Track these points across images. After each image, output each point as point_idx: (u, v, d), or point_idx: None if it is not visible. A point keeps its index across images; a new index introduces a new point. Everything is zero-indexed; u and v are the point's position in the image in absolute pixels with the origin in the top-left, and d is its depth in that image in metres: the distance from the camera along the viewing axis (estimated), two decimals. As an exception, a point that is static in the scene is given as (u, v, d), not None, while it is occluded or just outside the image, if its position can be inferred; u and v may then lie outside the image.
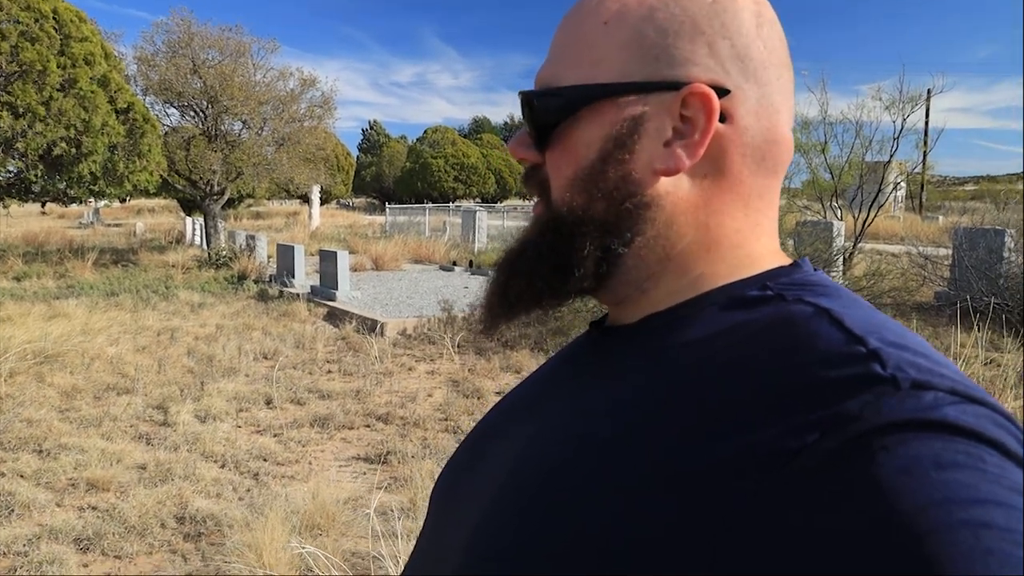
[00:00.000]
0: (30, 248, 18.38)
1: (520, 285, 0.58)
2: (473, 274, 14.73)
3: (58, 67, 11.55)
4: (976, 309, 7.52)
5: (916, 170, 15.38)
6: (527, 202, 47.37)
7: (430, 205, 28.01)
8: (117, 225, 32.53)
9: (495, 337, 7.66)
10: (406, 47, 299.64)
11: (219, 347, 7.81)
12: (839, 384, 0.41)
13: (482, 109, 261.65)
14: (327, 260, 11.20)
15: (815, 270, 0.54)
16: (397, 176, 49.97)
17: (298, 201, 41.06)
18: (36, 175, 12.15)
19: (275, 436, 5.20)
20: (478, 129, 72.28)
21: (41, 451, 4.80)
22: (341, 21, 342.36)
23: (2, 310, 9.28)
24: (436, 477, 0.66)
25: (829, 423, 0.39)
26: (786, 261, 0.56)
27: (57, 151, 11.75)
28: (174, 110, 17.33)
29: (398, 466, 4.59)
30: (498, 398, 0.72)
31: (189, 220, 22.58)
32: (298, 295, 11.09)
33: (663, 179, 0.53)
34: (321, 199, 34.02)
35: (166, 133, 16.33)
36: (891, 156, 12.74)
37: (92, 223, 32.63)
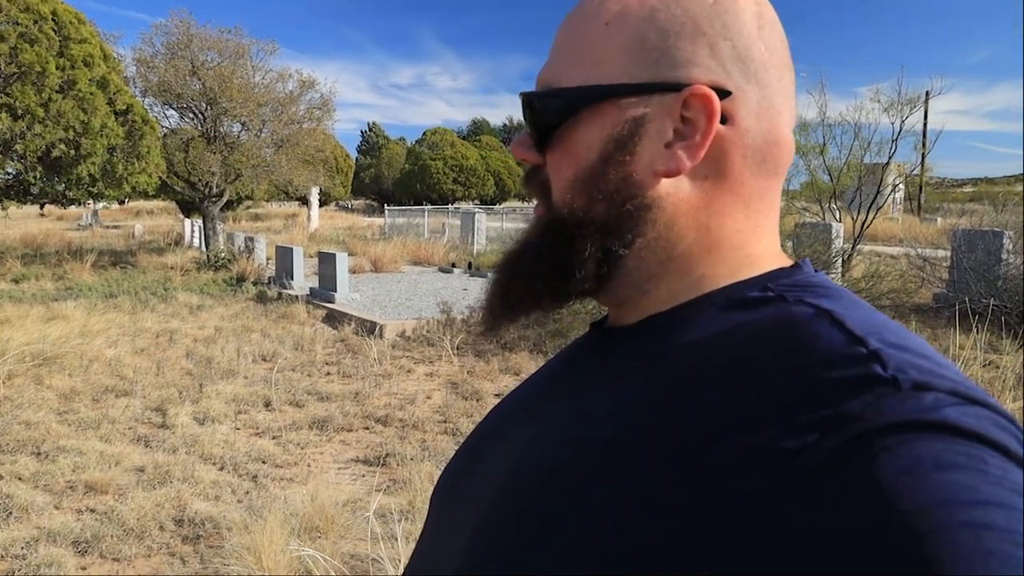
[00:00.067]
0: (28, 250, 18.38)
1: (521, 286, 0.58)
2: (472, 276, 14.73)
3: (57, 69, 11.55)
4: (974, 311, 7.52)
5: (915, 172, 15.41)
6: (526, 204, 47.39)
7: (429, 207, 28.01)
8: (116, 227, 32.51)
9: (494, 339, 7.68)
10: (405, 49, 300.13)
11: (218, 349, 7.80)
12: (840, 385, 0.41)
13: (481, 111, 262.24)
14: (326, 262, 11.20)
15: (816, 271, 0.54)
16: (396, 178, 49.97)
17: (297, 203, 41.05)
18: (35, 177, 12.14)
19: (274, 438, 5.20)
20: (477, 131, 72.29)
21: (39, 453, 4.79)
22: (340, 23, 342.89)
23: (0, 312, 9.27)
24: (435, 479, 0.66)
25: (830, 423, 0.39)
26: (787, 262, 0.56)
27: (56, 153, 11.75)
28: (173, 112, 17.37)
29: (397, 468, 4.59)
30: (497, 400, 0.72)
31: (188, 222, 22.57)
32: (297, 297, 11.09)
33: (664, 181, 0.53)
34: (320, 201, 34.04)
35: (165, 135, 16.34)
36: (890, 158, 12.75)
37: (91, 225, 32.62)
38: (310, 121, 18.20)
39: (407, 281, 13.82)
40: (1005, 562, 0.33)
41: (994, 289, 8.67)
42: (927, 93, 14.12)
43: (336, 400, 6.07)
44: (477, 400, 6.06)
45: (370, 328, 8.83)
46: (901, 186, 18.52)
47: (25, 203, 14.69)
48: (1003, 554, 0.33)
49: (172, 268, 14.39)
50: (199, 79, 16.19)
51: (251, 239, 15.25)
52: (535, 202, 0.61)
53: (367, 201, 56.14)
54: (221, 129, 16.93)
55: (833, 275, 9.17)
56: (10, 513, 3.94)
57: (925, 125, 17.14)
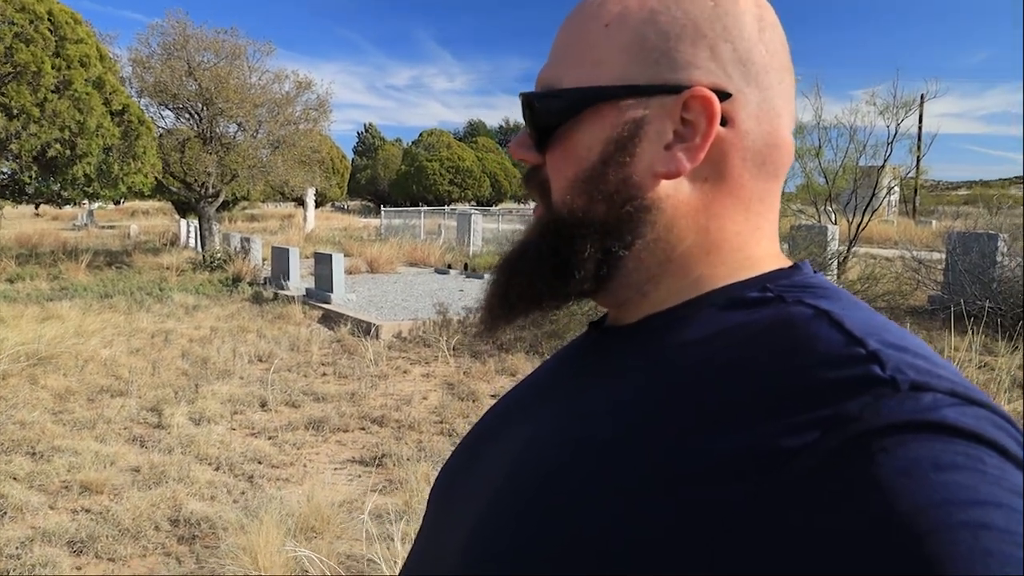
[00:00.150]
0: (23, 250, 18.31)
1: (520, 286, 0.58)
2: (468, 277, 14.72)
3: (53, 68, 11.51)
4: (969, 313, 7.55)
5: (910, 175, 15.46)
6: (522, 205, 47.43)
7: (425, 208, 27.98)
8: (111, 227, 32.42)
9: (491, 339, 7.68)
10: (402, 50, 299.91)
11: (213, 349, 7.78)
12: (838, 385, 0.41)
13: (477, 112, 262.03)
14: (322, 263, 11.18)
15: (815, 272, 0.55)
16: (392, 179, 49.91)
17: (293, 204, 41.01)
18: (30, 177, 12.11)
19: (270, 438, 5.19)
20: (473, 132, 72.22)
21: (34, 453, 4.78)
22: (337, 24, 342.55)
23: (-5, 312, 9.24)
24: (432, 480, 0.66)
25: (829, 423, 0.39)
26: (787, 264, 0.56)
27: (51, 153, 11.72)
28: (169, 112, 17.32)
29: (393, 469, 4.58)
30: (493, 401, 0.72)
31: (183, 222, 22.52)
32: (293, 298, 11.06)
33: (664, 182, 0.53)
34: (316, 202, 34.00)
35: (161, 135, 16.31)
36: (885, 161, 12.79)
37: (86, 225, 32.52)
38: (306, 122, 18.19)
39: (403, 282, 13.81)
40: (1004, 562, 0.33)
41: (989, 291, 8.70)
42: (922, 96, 14.16)
43: (332, 400, 6.06)
44: (473, 401, 6.06)
45: (366, 329, 8.82)
46: (896, 189, 18.55)
47: (20, 203, 14.65)
48: (1002, 554, 0.33)
49: (168, 268, 14.35)
50: (195, 79, 16.16)
51: (247, 240, 15.22)
52: (534, 203, 0.61)
53: (363, 202, 56.07)
54: (217, 130, 16.90)
55: (828, 277, 9.15)
56: (5, 513, 3.93)
57: (920, 128, 17.22)
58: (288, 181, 18.13)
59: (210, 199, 17.05)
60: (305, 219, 29.84)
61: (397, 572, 0.63)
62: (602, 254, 0.55)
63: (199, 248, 17.74)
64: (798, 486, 0.38)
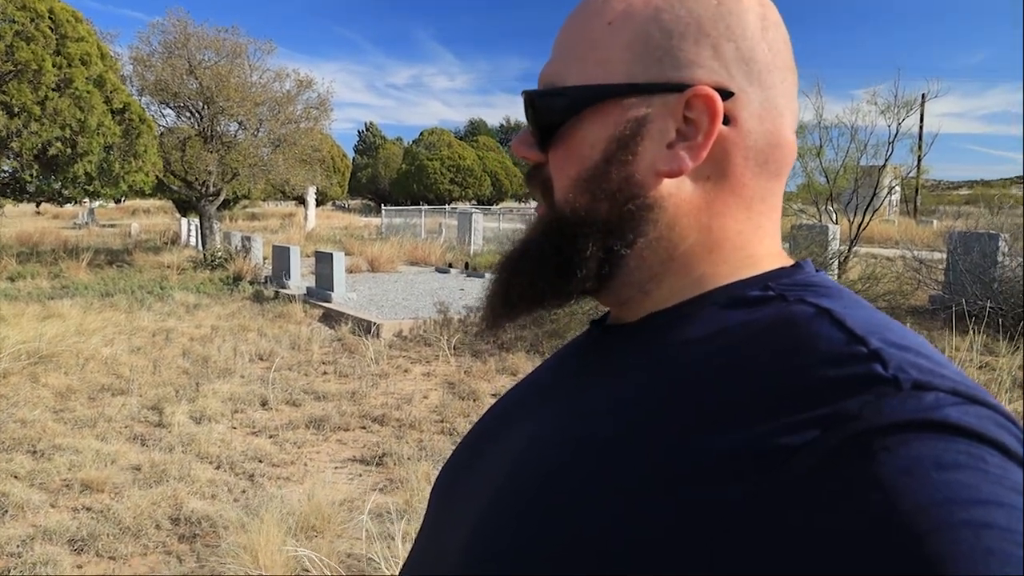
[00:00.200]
0: (24, 248, 18.32)
1: (522, 285, 0.58)
2: (469, 276, 14.72)
3: (54, 67, 11.52)
4: (970, 313, 7.55)
5: (911, 174, 15.45)
6: (523, 204, 47.42)
7: (426, 207, 27.99)
8: (112, 226, 32.42)
9: (492, 338, 7.68)
10: (402, 49, 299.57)
11: (214, 348, 7.79)
12: (840, 384, 0.41)
13: (478, 111, 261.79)
14: (323, 262, 11.19)
15: (817, 271, 0.54)
16: (393, 178, 49.92)
17: (294, 203, 41.02)
18: (31, 175, 12.12)
19: (270, 437, 5.19)
20: (474, 131, 72.23)
21: (35, 452, 4.78)
22: (338, 23, 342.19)
23: (-4, 310, 9.24)
24: (432, 479, 0.67)
25: (829, 421, 0.39)
26: (788, 263, 0.56)
27: (52, 151, 11.72)
28: (170, 111, 17.33)
29: (394, 468, 4.58)
30: (494, 400, 0.72)
31: (184, 221, 22.53)
32: (294, 296, 11.07)
33: (666, 181, 0.53)
34: (317, 201, 33.99)
35: (162, 134, 16.30)
36: (886, 160, 12.77)
37: (87, 223, 32.52)
38: (307, 121, 18.18)
39: (404, 281, 13.81)
40: (1006, 561, 0.33)
41: (990, 291, 8.69)
42: (923, 96, 14.14)
43: (333, 399, 6.07)
44: (474, 400, 6.06)
45: (367, 328, 8.82)
46: (897, 188, 18.56)
47: (21, 201, 14.65)
48: (1003, 553, 0.33)
49: (168, 267, 14.36)
50: (196, 78, 16.16)
51: (248, 238, 15.22)
52: (535, 202, 0.61)
53: (364, 201, 56.07)
54: (218, 128, 16.90)
55: (829, 276, 9.17)
56: (6, 511, 3.93)
57: (921, 128, 17.19)
58: (289, 180, 18.14)
59: (211, 198, 17.05)
60: (306, 218, 29.85)
61: (398, 571, 0.63)
62: (604, 253, 0.55)
63: (200, 247, 17.75)
64: (798, 485, 0.38)
